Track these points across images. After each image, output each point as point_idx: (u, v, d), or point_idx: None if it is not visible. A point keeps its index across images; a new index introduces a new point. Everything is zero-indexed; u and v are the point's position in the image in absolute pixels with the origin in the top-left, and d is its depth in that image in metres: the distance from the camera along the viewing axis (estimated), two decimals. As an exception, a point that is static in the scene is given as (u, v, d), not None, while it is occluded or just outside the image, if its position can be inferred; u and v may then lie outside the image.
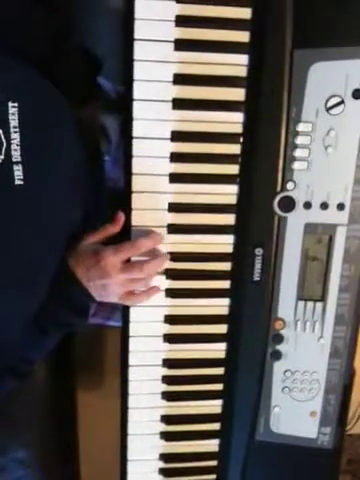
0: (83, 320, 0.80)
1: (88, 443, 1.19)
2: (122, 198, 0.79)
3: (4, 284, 0.67)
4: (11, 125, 0.64)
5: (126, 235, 0.79)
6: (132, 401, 0.85)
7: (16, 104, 0.64)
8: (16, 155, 0.64)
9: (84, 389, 1.19)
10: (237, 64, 0.76)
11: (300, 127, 0.76)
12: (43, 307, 0.74)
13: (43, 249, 0.72)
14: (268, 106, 0.76)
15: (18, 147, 0.64)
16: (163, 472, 0.90)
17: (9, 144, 0.64)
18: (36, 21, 0.84)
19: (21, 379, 0.79)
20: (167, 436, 0.88)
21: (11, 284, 0.68)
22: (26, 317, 0.73)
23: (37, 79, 0.69)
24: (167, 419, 0.87)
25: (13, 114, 0.64)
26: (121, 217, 0.78)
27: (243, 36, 0.75)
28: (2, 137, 0.63)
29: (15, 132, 0.64)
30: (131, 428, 0.87)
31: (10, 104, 0.64)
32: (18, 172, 0.65)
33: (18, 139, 0.64)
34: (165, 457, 0.89)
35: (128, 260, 0.78)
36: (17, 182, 0.65)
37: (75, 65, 0.94)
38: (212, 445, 0.90)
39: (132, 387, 0.85)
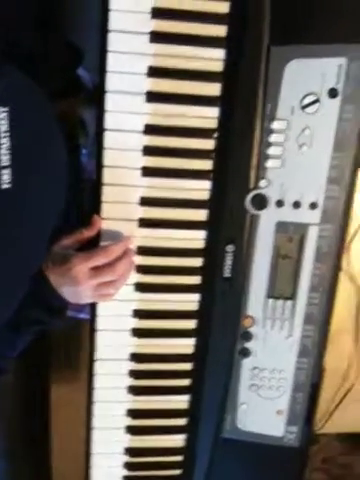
0: (58, 319, 0.79)
1: (62, 436, 1.19)
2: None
3: None
4: (1, 130, 0.63)
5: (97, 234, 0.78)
6: (98, 395, 0.85)
7: (6, 108, 0.63)
8: (5, 159, 0.64)
9: (59, 382, 1.18)
10: (213, 59, 0.75)
11: (275, 124, 0.75)
12: (18, 305, 0.74)
13: (33, 249, 0.72)
14: (243, 102, 0.75)
15: (7, 152, 0.64)
16: (128, 466, 0.90)
17: None
18: (18, 14, 0.83)
19: None
20: (133, 430, 0.88)
21: (3, 284, 0.68)
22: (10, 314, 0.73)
23: (25, 81, 0.68)
24: (133, 413, 0.87)
25: (3, 119, 0.63)
26: (97, 221, 0.78)
27: (220, 30, 0.74)
28: None
29: (5, 137, 0.63)
30: (96, 422, 0.86)
31: (0, 109, 0.63)
32: (6, 176, 0.64)
33: (8, 144, 0.63)
34: (130, 451, 0.89)
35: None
36: (4, 186, 0.64)
37: (56, 57, 0.93)
38: (178, 440, 0.90)
39: (98, 381, 0.84)
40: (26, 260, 0.71)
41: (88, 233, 0.78)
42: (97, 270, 0.76)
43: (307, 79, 0.74)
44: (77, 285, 0.75)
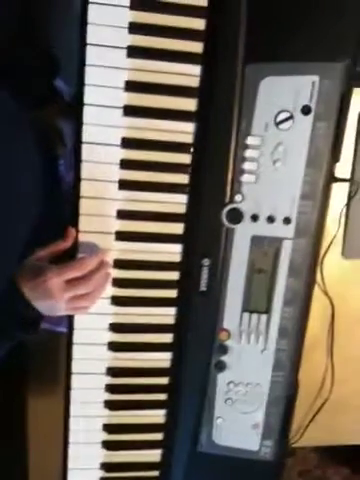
0: (32, 333, 0.78)
1: (39, 450, 1.17)
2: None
3: None
4: None
5: (74, 246, 0.78)
6: (74, 409, 0.84)
7: None
8: None
9: (36, 396, 1.17)
10: (190, 74, 0.76)
11: (249, 140, 0.77)
12: None
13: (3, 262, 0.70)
14: (218, 118, 0.76)
15: None
16: (104, 482, 0.89)
17: None
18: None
19: None
20: (109, 445, 0.87)
21: None
22: None
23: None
24: (109, 428, 0.86)
25: None
26: (72, 233, 0.77)
27: (197, 47, 0.75)
28: None
29: None
30: (72, 436, 0.85)
31: None
32: None
33: None
34: (106, 466, 0.88)
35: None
36: None
37: (33, 66, 0.93)
38: (154, 455, 0.89)
39: (74, 395, 0.83)
40: None
41: (63, 245, 0.77)
42: (72, 283, 0.75)
43: (281, 96, 0.76)
44: (51, 298, 0.74)
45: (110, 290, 0.81)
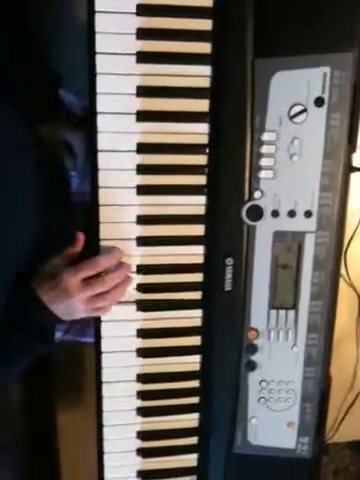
0: (47, 346, 0.78)
1: (70, 461, 1.17)
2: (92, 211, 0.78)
3: None
4: None
5: (95, 251, 0.78)
6: (107, 418, 0.84)
7: None
8: None
9: (65, 407, 1.17)
10: (200, 75, 0.76)
11: (265, 136, 0.76)
12: (5, 334, 0.73)
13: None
14: (232, 116, 0.76)
15: None
16: (141, 489, 0.88)
17: None
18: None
19: None
20: (144, 453, 0.87)
21: None
22: None
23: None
24: (143, 435, 0.86)
25: None
26: (80, 237, 0.78)
27: (205, 47, 0.75)
28: None
29: None
30: (107, 446, 0.85)
31: None
32: None
33: None
34: (143, 474, 0.88)
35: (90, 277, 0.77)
36: None
37: (35, 80, 0.94)
38: (190, 460, 0.89)
39: (106, 404, 0.83)
40: None
41: (74, 250, 0.78)
42: (88, 282, 0.76)
43: (293, 89, 0.75)
44: (69, 298, 0.75)
45: (135, 295, 0.81)
